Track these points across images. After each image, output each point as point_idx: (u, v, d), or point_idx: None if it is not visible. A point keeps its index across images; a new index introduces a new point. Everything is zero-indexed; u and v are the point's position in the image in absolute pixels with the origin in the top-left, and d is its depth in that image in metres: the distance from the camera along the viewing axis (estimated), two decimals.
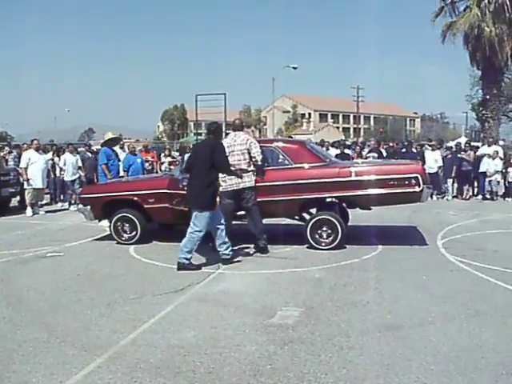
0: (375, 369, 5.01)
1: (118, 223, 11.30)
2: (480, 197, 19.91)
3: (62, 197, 19.38)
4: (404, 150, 22.85)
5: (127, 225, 11.28)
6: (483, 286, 7.94)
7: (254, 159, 10.00)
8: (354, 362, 5.18)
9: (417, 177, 10.26)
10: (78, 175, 18.33)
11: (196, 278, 8.36)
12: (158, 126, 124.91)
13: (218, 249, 9.21)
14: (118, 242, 11.22)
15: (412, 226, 13.10)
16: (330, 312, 6.68)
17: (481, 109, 37.24)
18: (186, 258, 8.92)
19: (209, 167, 8.82)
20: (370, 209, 11.50)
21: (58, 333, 6.07)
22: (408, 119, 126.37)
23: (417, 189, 10.24)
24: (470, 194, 20.39)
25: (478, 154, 21.23)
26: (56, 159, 19.29)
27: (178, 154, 24.44)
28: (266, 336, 5.86)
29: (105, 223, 13.04)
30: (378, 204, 11.25)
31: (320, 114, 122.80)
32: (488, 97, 33.41)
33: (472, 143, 26.11)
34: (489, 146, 21.35)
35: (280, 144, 11.33)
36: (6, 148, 23.42)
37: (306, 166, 10.57)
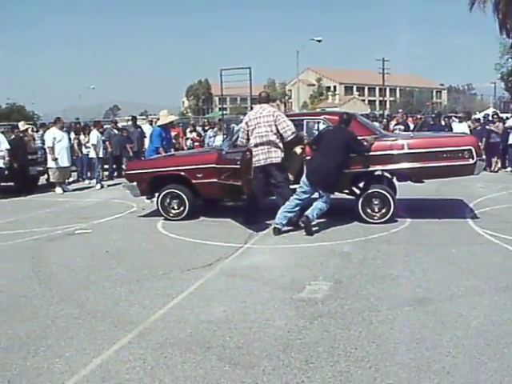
0: (405, 343, 5.00)
1: (166, 199, 11.20)
2: (509, 169, 19.63)
3: (88, 174, 19.48)
4: (432, 122, 22.61)
5: (175, 201, 11.17)
6: None
7: (284, 134, 9.98)
8: (383, 336, 5.16)
9: (470, 149, 10.12)
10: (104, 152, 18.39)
11: (224, 252, 8.39)
12: (183, 102, 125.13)
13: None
14: (166, 218, 11.13)
15: (441, 198, 12.99)
16: (359, 286, 6.67)
17: (510, 78, 36.68)
18: (311, 218, 9.52)
19: (342, 154, 9.62)
20: (423, 182, 11.43)
21: (88, 309, 6.14)
22: (434, 91, 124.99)
23: (470, 161, 10.10)
24: (499, 166, 20.14)
25: (506, 125, 20.92)
26: (82, 137, 19.35)
27: (201, 129, 24.44)
28: (296, 310, 5.87)
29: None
30: (431, 177, 11.16)
31: (345, 87, 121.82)
32: None
33: (500, 114, 25.69)
34: None
35: (329, 117, 11.17)
36: (33, 127, 23.50)
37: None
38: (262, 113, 10.03)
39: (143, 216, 11.94)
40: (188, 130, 24.11)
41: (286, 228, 9.76)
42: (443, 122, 21.99)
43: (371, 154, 10.18)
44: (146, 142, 19.24)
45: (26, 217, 12.42)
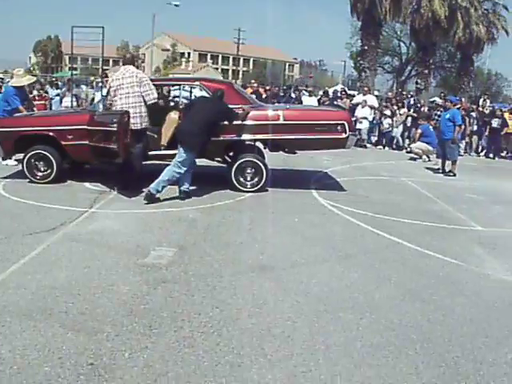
0: (247, 308, 5.10)
1: (32, 160, 10.45)
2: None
3: None
4: (282, 94, 23.06)
5: (42, 162, 10.46)
6: (353, 229, 8.23)
7: (146, 98, 9.80)
8: (226, 301, 5.24)
9: (343, 124, 10.41)
10: None
11: (68, 216, 8.11)
12: (30, 58, 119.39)
13: (182, 186, 9.54)
14: (31, 181, 10.45)
15: (286, 169, 13.30)
16: (203, 252, 6.70)
17: (359, 58, 38.25)
18: (158, 191, 9.21)
19: (208, 123, 9.49)
20: (296, 153, 11.60)
21: None
22: (287, 64, 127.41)
23: (343, 135, 10.40)
24: None
25: (353, 101, 21.78)
26: None
27: (51, 87, 23.48)
28: (140, 276, 5.81)
29: (10, 162, 12.38)
30: (304, 148, 11.42)
31: (200, 54, 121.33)
32: (366, 48, 34.33)
33: (348, 91, 26.69)
34: (364, 95, 21.96)
35: (206, 83, 11.02)
36: None
37: (235, 107, 10.22)
38: (125, 74, 9.77)
39: None
40: (34, 88, 23.04)
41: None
42: (293, 95, 22.51)
43: (247, 123, 10.23)
44: None
45: None
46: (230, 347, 4.37)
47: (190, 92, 12.91)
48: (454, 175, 14.46)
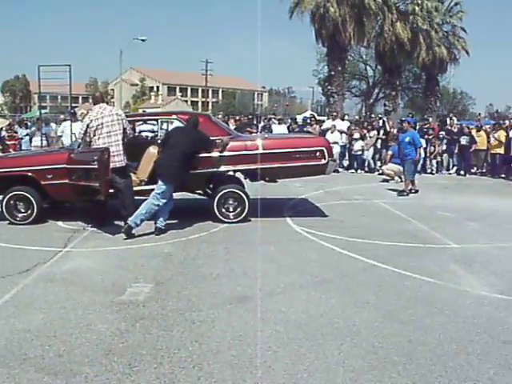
0: (227, 341, 5.06)
1: (11, 202, 10.32)
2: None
3: None
4: (247, 123, 23.23)
5: (21, 203, 10.33)
6: (329, 255, 8.25)
7: (128, 132, 9.99)
8: (206, 335, 5.20)
9: (322, 150, 10.51)
10: None
11: (42, 257, 8.02)
12: None
13: (157, 221, 9.54)
14: (11, 223, 10.31)
15: (259, 198, 13.30)
16: (180, 286, 6.67)
17: (326, 84, 38.62)
18: (137, 224, 9.23)
19: (186, 153, 9.54)
20: (276, 181, 11.62)
21: None
22: (256, 93, 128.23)
23: (323, 161, 10.49)
24: None
25: (323, 127, 21.96)
26: None
27: (20, 127, 23.31)
28: (117, 314, 5.76)
29: None
30: (285, 177, 11.55)
31: (168, 88, 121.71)
32: (333, 73, 34.69)
33: (318, 117, 26.92)
34: (333, 119, 22.16)
35: (182, 116, 11.04)
36: None
37: (213, 138, 10.25)
38: (104, 113, 9.73)
39: None
40: (3, 129, 22.89)
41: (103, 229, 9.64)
42: (262, 123, 22.67)
43: (227, 154, 10.27)
44: None
45: None
46: (211, 381, 4.33)
47: (167, 126, 12.97)
48: (407, 194, 14.65)
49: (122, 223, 9.58)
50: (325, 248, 8.63)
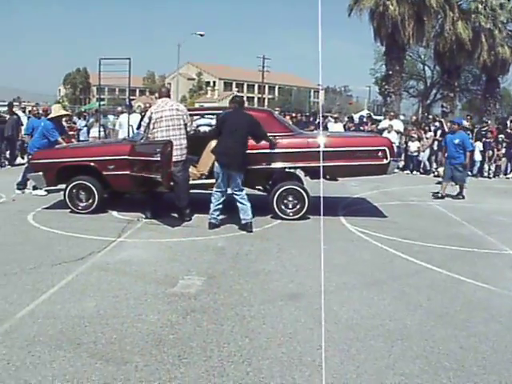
0: (277, 338, 5.05)
1: (74, 191, 10.62)
2: None
3: None
4: (305, 121, 23.11)
5: (83, 193, 10.63)
6: (382, 256, 8.16)
7: (188, 128, 10.09)
8: (256, 331, 5.20)
9: (384, 149, 10.43)
10: None
11: (97, 246, 8.17)
12: (59, 90, 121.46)
13: (211, 216, 9.54)
14: (73, 211, 10.59)
15: (314, 196, 13.24)
16: (232, 281, 6.69)
17: (383, 83, 38.18)
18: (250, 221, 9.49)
19: (245, 136, 9.50)
20: (337, 180, 11.58)
21: None
22: (312, 91, 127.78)
23: (384, 161, 10.42)
24: None
25: (379, 127, 21.73)
26: None
27: (78, 118, 23.73)
28: (169, 305, 5.81)
29: (40, 192, 12.58)
30: (346, 175, 11.48)
31: (225, 83, 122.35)
32: (391, 72, 34.21)
33: (374, 117, 26.67)
34: (390, 119, 21.89)
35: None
36: None
37: (275, 134, 10.33)
38: (165, 107, 9.87)
39: (13, 207, 11.42)
40: (63, 119, 23.32)
41: (157, 220, 9.78)
42: (317, 121, 22.53)
43: (288, 151, 10.29)
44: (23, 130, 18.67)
45: None
46: (259, 377, 4.33)
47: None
48: (463, 198, 14.28)
49: (175, 215, 9.68)
50: (378, 248, 8.54)
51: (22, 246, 8.31)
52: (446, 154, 14.74)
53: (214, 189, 9.52)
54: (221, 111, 11.47)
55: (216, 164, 9.43)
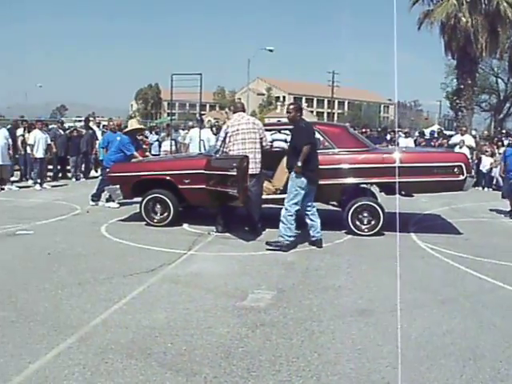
0: (346, 353, 5.03)
1: (150, 204, 10.89)
2: None
3: (32, 174, 19.01)
4: (377, 136, 22.94)
5: (159, 206, 10.88)
6: (454, 273, 8.02)
7: (264, 143, 10.16)
8: (325, 346, 5.19)
9: (461, 165, 10.30)
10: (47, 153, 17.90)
11: (168, 258, 8.32)
12: (132, 105, 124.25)
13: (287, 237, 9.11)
14: (148, 224, 10.89)
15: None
16: (301, 295, 6.69)
17: (455, 98, 37.52)
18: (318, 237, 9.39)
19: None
20: (412, 196, 11.51)
21: (27, 312, 5.99)
22: (382, 105, 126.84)
23: (461, 177, 10.28)
24: None
25: (450, 142, 21.39)
26: (26, 135, 18.77)
27: (150, 133, 24.20)
28: (238, 318, 5.86)
29: (113, 204, 12.94)
30: (421, 191, 11.38)
31: (294, 98, 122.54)
32: (462, 86, 33.62)
33: (445, 132, 26.27)
34: (462, 135, 21.53)
35: (320, 126, 11.09)
36: None
37: (351, 150, 10.41)
38: (241, 120, 10.03)
39: (87, 219, 11.75)
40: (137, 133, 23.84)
41: (228, 234, 10.00)
42: (388, 137, 22.34)
43: (364, 166, 10.29)
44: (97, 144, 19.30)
45: None
46: None
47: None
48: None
49: (246, 229, 9.78)
50: (449, 266, 8.39)
51: (95, 256, 8.55)
52: (506, 169, 13.95)
53: (294, 206, 9.03)
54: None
55: (302, 180, 8.99)
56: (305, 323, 5.76)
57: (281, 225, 9.00)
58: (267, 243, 9.04)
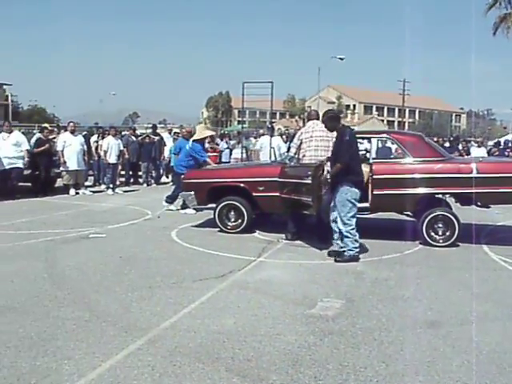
0: (415, 365, 4.96)
1: (224, 210, 11.00)
2: None
3: (105, 179, 19.44)
4: (449, 145, 22.57)
5: (233, 213, 10.98)
6: None
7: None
8: (393, 357, 5.13)
9: None
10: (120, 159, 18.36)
11: (237, 264, 8.39)
12: (202, 113, 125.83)
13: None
14: (221, 230, 11.04)
15: None
16: (370, 305, 6.64)
17: None
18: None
19: None
20: (489, 207, 11.37)
21: (99, 313, 6.16)
22: (454, 114, 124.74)
23: None
24: None
25: None
26: (100, 142, 19.32)
27: (221, 140, 24.43)
28: (306, 326, 5.86)
29: (189, 211, 13.16)
30: (499, 202, 11.09)
31: (365, 106, 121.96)
32: None
33: None
34: None
35: (395, 135, 11.08)
36: (55, 130, 23.46)
37: (426, 159, 10.30)
38: (315, 128, 10.08)
39: (158, 224, 11.96)
40: (207, 140, 24.10)
41: (297, 242, 10.00)
42: (460, 146, 21.94)
43: (439, 176, 10.15)
44: (166, 150, 19.76)
45: (41, 218, 12.49)
46: None
47: (378, 145, 12.75)
48: None
49: (316, 238, 9.77)
50: None
51: (165, 260, 8.69)
52: None
53: (352, 219, 8.93)
54: (372, 135, 11.38)
55: (356, 191, 8.91)
56: (373, 333, 5.71)
57: (345, 239, 8.87)
58: (336, 260, 8.83)
